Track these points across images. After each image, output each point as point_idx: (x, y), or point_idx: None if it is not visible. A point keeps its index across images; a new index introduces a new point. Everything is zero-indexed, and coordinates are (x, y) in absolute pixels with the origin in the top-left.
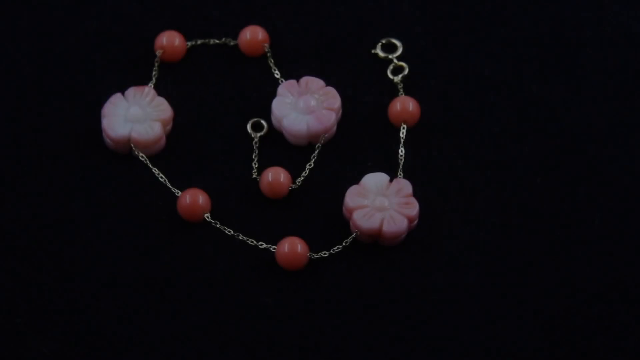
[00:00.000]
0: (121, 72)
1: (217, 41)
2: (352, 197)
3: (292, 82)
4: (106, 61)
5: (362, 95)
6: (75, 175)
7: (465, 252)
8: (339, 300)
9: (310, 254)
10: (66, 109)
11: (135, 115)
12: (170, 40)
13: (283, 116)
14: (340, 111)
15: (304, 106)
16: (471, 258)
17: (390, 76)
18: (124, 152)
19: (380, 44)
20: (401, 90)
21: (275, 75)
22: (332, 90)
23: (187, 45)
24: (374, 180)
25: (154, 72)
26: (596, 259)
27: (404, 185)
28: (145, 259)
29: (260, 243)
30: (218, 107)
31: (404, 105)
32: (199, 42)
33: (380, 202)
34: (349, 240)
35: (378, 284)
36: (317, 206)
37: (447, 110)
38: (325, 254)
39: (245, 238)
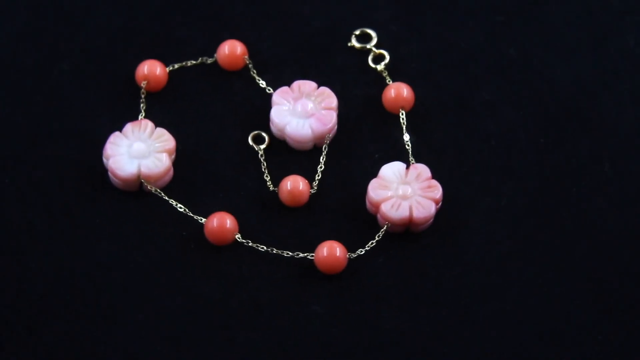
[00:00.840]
0: (106, 108)
1: (194, 62)
2: (375, 190)
3: (285, 88)
4: (89, 99)
5: (351, 90)
6: (90, 219)
7: (492, 223)
8: (387, 294)
9: (348, 255)
10: (60, 153)
11: (140, 151)
12: (152, 70)
13: (285, 124)
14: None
15: (302, 110)
16: (498, 228)
17: (373, 65)
18: (134, 189)
19: (354, 36)
20: (387, 77)
21: (261, 85)
22: (326, 90)
23: (167, 70)
24: (392, 170)
25: (141, 104)
26: (611, 205)
27: (422, 170)
28: (186, 290)
29: (296, 253)
30: (212, 126)
31: (399, 92)
32: (176, 66)
33: (404, 190)
34: (380, 233)
35: (418, 270)
36: (338, 206)
37: (437, 89)
38: (361, 251)
39: (279, 251)
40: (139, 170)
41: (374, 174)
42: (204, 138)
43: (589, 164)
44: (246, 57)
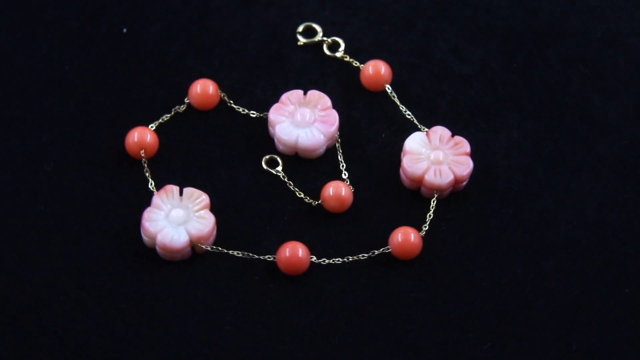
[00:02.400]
0: (109, 186)
1: (169, 115)
2: (412, 166)
3: (277, 105)
4: (88, 171)
5: (324, 84)
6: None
7: (515, 187)
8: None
9: (421, 232)
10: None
11: (181, 217)
12: (142, 137)
13: (295, 138)
14: None
15: (303, 119)
16: (520, 190)
17: (331, 54)
18: (186, 256)
19: (298, 33)
20: (353, 61)
21: (243, 112)
22: (315, 93)
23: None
24: (415, 141)
25: (146, 173)
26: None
27: (442, 131)
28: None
29: (372, 252)
30: (221, 168)
31: (377, 68)
32: (155, 125)
33: (436, 155)
34: (433, 204)
35: (473, 238)
36: (379, 194)
37: (403, 62)
38: (426, 227)
39: (356, 257)
40: (190, 235)
41: (392, 152)
42: (219, 182)
43: (596, 106)
44: (220, 91)
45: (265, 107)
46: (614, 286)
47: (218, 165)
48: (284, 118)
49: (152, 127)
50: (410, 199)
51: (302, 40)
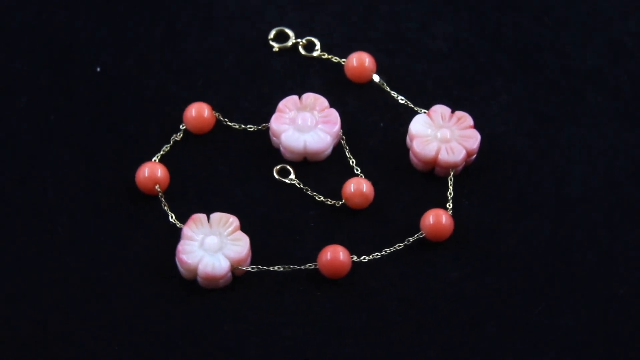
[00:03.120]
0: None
1: (168, 145)
2: (424, 149)
3: (277, 115)
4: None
5: (310, 84)
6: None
7: (520, 149)
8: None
9: (448, 209)
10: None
11: (216, 244)
12: (153, 172)
13: (302, 143)
14: None
15: (304, 124)
16: (526, 151)
17: (308, 54)
18: (227, 282)
19: (271, 40)
20: (332, 57)
21: (241, 127)
22: (310, 95)
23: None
24: (419, 123)
25: (164, 206)
26: None
27: (442, 109)
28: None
29: (407, 240)
30: (235, 189)
31: (361, 60)
32: (158, 157)
33: (443, 134)
34: (451, 181)
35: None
36: (397, 183)
37: (379, 49)
38: (450, 205)
39: (393, 247)
40: (229, 259)
41: (395, 139)
42: (235, 201)
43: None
44: (214, 111)
45: (258, 118)
46: None
47: (230, 185)
48: (286, 126)
49: (155, 159)
50: (425, 181)
51: (276, 46)
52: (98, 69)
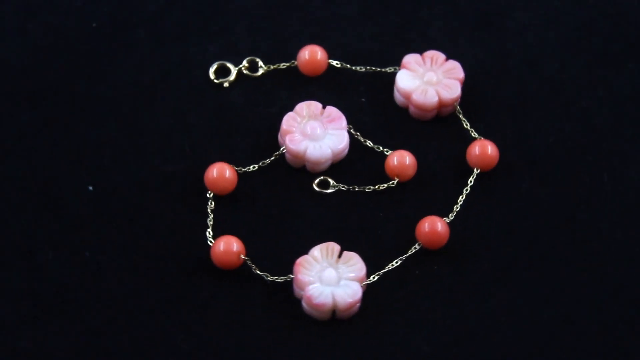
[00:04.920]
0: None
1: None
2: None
3: (290, 137)
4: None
5: (275, 98)
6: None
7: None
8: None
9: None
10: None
11: (334, 275)
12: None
13: (327, 150)
14: None
15: (313, 133)
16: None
17: (252, 73)
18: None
19: (213, 74)
20: (281, 65)
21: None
22: (304, 104)
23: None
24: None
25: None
26: None
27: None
28: None
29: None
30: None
31: (313, 53)
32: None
33: (429, 77)
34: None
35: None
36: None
37: (312, 36)
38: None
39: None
40: (358, 281)
41: (380, 111)
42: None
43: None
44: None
45: (257, 154)
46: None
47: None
48: (302, 143)
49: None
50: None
51: (225, 81)
52: (90, 188)
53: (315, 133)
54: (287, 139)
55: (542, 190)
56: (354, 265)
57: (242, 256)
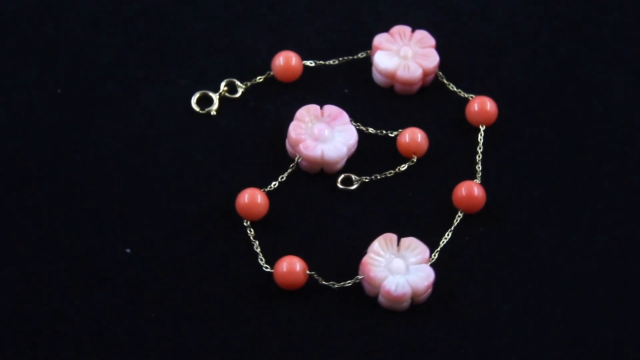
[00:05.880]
0: None
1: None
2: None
3: (305, 144)
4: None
5: (261, 121)
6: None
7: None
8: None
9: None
10: None
11: (402, 266)
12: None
13: (341, 149)
14: None
15: (321, 134)
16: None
17: (232, 95)
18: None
19: (195, 104)
20: (258, 79)
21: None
22: (305, 108)
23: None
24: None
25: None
26: None
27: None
28: None
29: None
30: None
31: (287, 59)
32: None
33: (405, 51)
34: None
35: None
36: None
37: (272, 45)
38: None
39: None
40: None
41: (365, 97)
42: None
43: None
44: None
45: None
46: None
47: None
48: (311, 144)
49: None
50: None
51: (211, 109)
52: (128, 250)
53: (324, 135)
54: (301, 147)
55: (545, 134)
56: (416, 248)
57: (308, 272)
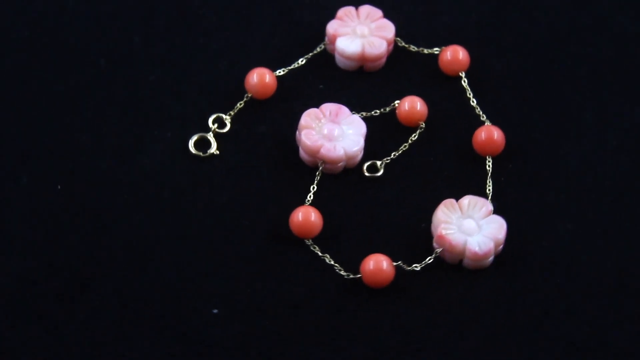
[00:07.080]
0: None
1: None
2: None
3: (318, 147)
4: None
5: (257, 144)
6: None
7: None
8: None
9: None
10: None
11: (473, 227)
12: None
13: (356, 146)
14: None
15: (330, 133)
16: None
17: (220, 130)
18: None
19: (192, 144)
20: (246, 96)
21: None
22: (310, 111)
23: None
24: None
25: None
26: None
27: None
28: None
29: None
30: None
31: (261, 76)
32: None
33: (361, 30)
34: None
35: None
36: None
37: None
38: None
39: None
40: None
41: (339, 86)
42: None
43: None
44: None
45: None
46: None
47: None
48: (326, 144)
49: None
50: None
51: (214, 151)
52: (215, 311)
53: (336, 133)
54: (323, 151)
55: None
56: (477, 203)
57: (394, 263)
